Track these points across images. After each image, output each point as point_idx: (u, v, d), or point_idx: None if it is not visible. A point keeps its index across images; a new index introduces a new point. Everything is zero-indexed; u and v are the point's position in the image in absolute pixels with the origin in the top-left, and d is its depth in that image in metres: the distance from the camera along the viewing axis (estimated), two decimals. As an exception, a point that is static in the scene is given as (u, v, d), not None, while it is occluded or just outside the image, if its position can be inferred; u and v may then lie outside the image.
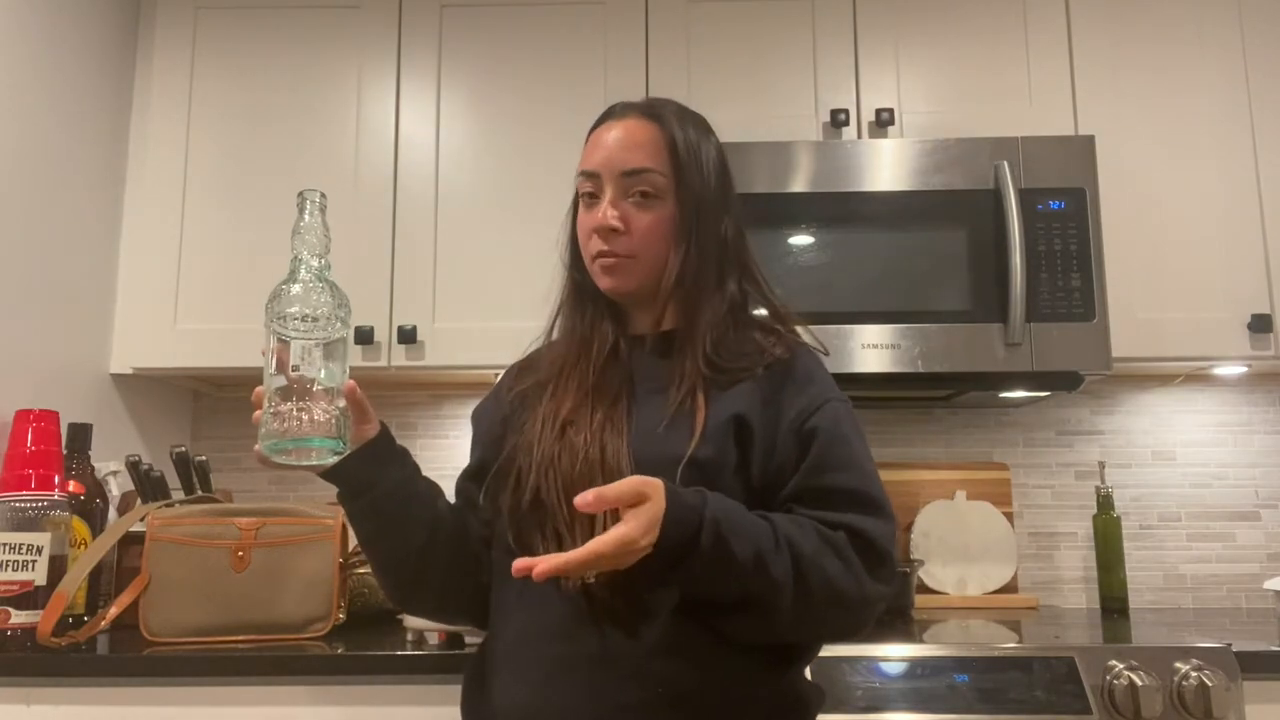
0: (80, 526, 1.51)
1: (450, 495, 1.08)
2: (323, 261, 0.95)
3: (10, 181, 1.59)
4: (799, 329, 1.08)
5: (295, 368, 0.88)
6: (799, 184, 1.72)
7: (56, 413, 1.50)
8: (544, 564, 0.81)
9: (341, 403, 0.90)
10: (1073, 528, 2.02)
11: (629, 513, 0.82)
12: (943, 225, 1.70)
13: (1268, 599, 1.93)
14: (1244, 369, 1.96)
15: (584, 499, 0.81)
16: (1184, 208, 1.79)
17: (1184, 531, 2.02)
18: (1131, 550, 1.97)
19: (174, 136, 1.87)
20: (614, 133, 1.05)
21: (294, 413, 0.87)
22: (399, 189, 1.84)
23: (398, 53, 1.88)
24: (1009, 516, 1.96)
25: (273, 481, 2.08)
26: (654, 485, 0.84)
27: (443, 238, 1.82)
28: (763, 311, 1.07)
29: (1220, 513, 2.02)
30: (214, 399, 2.12)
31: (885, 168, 1.72)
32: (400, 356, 1.78)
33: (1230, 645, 1.32)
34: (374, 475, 0.98)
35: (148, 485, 1.60)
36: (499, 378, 1.18)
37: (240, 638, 1.39)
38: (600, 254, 1.03)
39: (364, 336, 1.77)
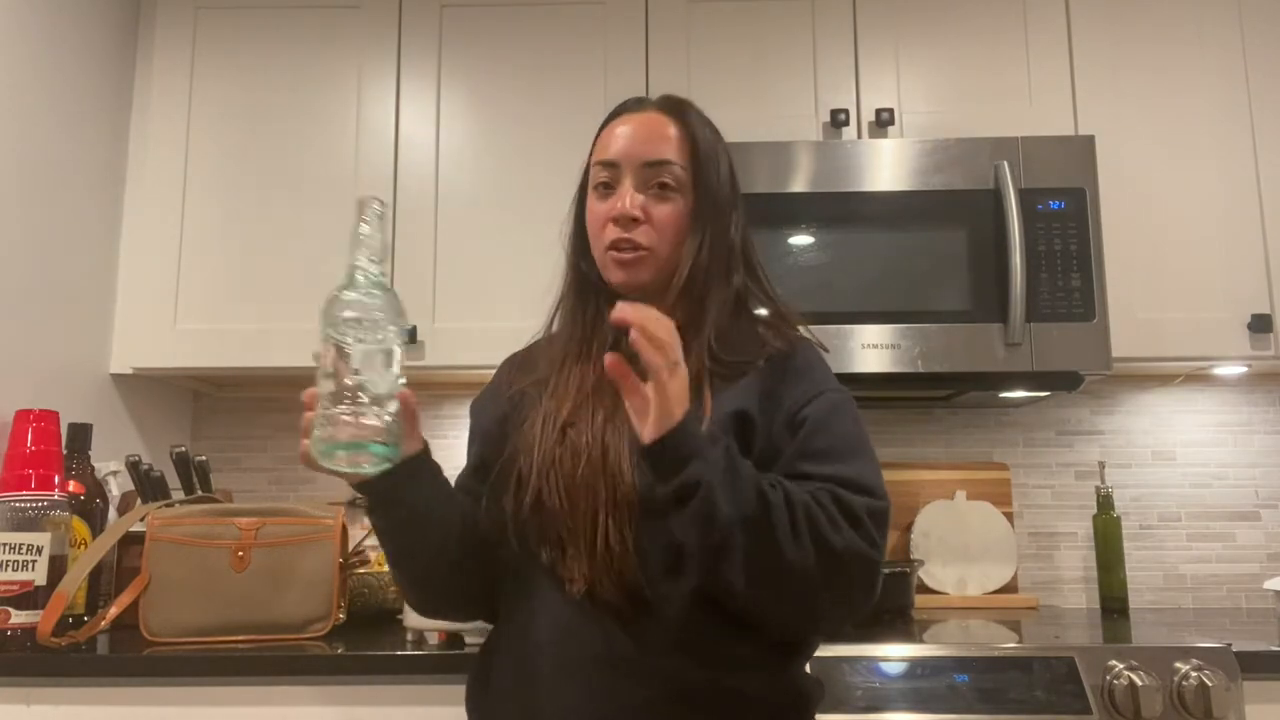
0: (80, 526, 1.51)
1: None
2: (379, 268, 0.95)
3: (10, 181, 1.59)
4: (800, 328, 1.08)
5: (356, 372, 0.88)
6: (799, 184, 1.72)
7: (56, 413, 1.50)
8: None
9: (394, 408, 0.90)
10: (1073, 528, 2.02)
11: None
12: (943, 225, 1.70)
13: (1268, 599, 1.93)
14: (1244, 369, 1.96)
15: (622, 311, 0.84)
16: (1184, 208, 1.79)
17: (1184, 531, 2.02)
18: (1131, 550, 1.98)
19: (174, 136, 1.87)
20: (635, 124, 1.05)
21: (347, 418, 0.87)
22: (399, 189, 1.84)
23: (398, 53, 1.88)
24: (1009, 516, 1.96)
25: (272, 481, 2.08)
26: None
27: (443, 238, 1.82)
28: (764, 311, 1.08)
29: (1220, 513, 2.02)
30: (214, 399, 2.12)
31: (885, 168, 1.72)
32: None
33: (1230, 645, 1.32)
34: (410, 493, 0.96)
35: (148, 485, 1.60)
36: (496, 371, 1.17)
37: (240, 638, 1.39)
38: (616, 243, 1.02)
39: (364, 336, 1.76)
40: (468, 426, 1.14)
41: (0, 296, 1.56)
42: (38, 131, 1.66)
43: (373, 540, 1.79)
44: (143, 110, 1.89)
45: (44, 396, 1.61)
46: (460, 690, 1.04)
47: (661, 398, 0.84)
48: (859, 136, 1.82)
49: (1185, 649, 1.32)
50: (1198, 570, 2.00)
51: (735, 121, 1.75)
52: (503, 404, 1.08)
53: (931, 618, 1.72)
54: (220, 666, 1.30)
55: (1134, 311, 1.75)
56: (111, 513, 1.62)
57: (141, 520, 1.46)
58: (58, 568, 1.38)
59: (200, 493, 1.65)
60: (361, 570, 1.63)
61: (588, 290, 1.09)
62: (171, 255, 1.83)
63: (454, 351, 1.79)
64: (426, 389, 2.10)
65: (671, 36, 1.87)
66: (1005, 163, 1.68)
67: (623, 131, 1.05)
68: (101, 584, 1.53)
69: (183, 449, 1.64)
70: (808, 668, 1.01)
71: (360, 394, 0.87)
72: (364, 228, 0.96)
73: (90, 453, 1.59)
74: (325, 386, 0.88)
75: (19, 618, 1.33)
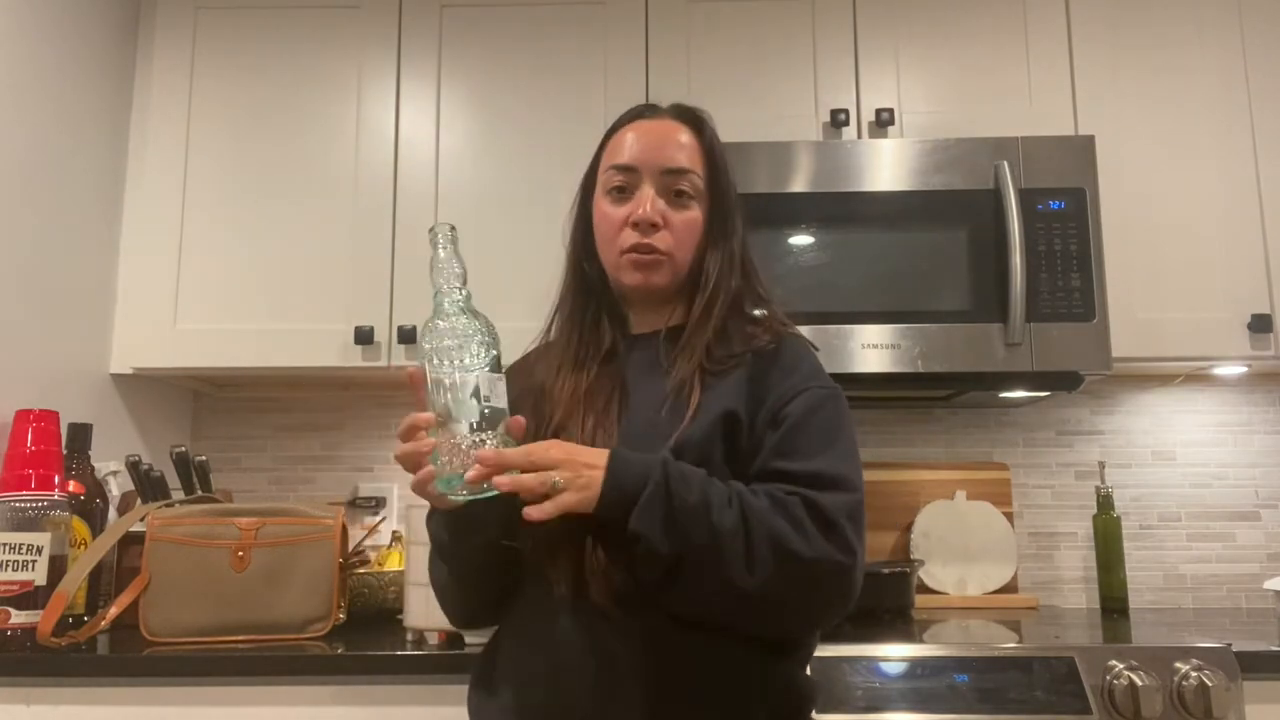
0: (80, 526, 1.51)
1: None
2: (464, 292, 0.96)
3: (10, 181, 1.59)
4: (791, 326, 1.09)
5: (459, 401, 0.90)
6: (799, 184, 1.72)
7: (56, 413, 1.50)
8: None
9: (502, 429, 0.91)
10: (1073, 528, 2.02)
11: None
12: (943, 225, 1.70)
13: (1268, 599, 1.93)
14: (1244, 369, 1.96)
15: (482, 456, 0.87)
16: (1184, 208, 1.79)
17: (1184, 531, 2.02)
18: (1131, 550, 1.97)
19: (174, 136, 1.87)
20: (653, 131, 1.07)
21: (466, 446, 0.88)
22: (399, 189, 1.84)
23: (398, 53, 1.88)
24: (1009, 516, 1.96)
25: (273, 481, 2.08)
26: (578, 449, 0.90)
27: (443, 238, 1.82)
28: (758, 311, 1.09)
29: (1220, 513, 2.02)
30: (214, 399, 2.12)
31: (885, 168, 1.72)
32: (400, 356, 1.78)
33: (1230, 645, 1.32)
34: (498, 515, 0.95)
35: (148, 485, 1.60)
36: None
37: (240, 638, 1.39)
38: (635, 247, 1.03)
39: (364, 336, 1.77)
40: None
41: (0, 296, 1.56)
42: (38, 132, 1.66)
43: (373, 540, 1.80)
44: (143, 110, 1.89)
45: (44, 396, 1.61)
46: (461, 690, 1.04)
47: (570, 487, 0.87)
48: (859, 136, 1.82)
49: (1185, 649, 1.32)
50: (1198, 570, 2.00)
51: (735, 121, 1.75)
52: None
53: (931, 618, 1.72)
54: (220, 666, 1.30)
55: (1134, 311, 1.75)
56: (111, 513, 1.62)
57: (141, 520, 1.46)
58: (58, 568, 1.38)
59: (200, 493, 1.65)
60: (361, 570, 1.63)
61: (589, 293, 1.11)
62: (171, 255, 1.83)
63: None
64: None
65: (671, 36, 1.87)
66: (1005, 163, 1.68)
67: (639, 137, 1.06)
68: (101, 584, 1.53)
69: (183, 449, 1.64)
70: (808, 669, 1.01)
71: (469, 422, 0.89)
72: (439, 254, 0.96)
73: (90, 453, 1.59)
74: (434, 417, 0.90)
75: (19, 618, 1.33)
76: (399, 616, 1.48)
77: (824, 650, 1.32)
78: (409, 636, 1.39)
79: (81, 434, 1.57)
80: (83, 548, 1.49)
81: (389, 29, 1.89)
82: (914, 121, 1.83)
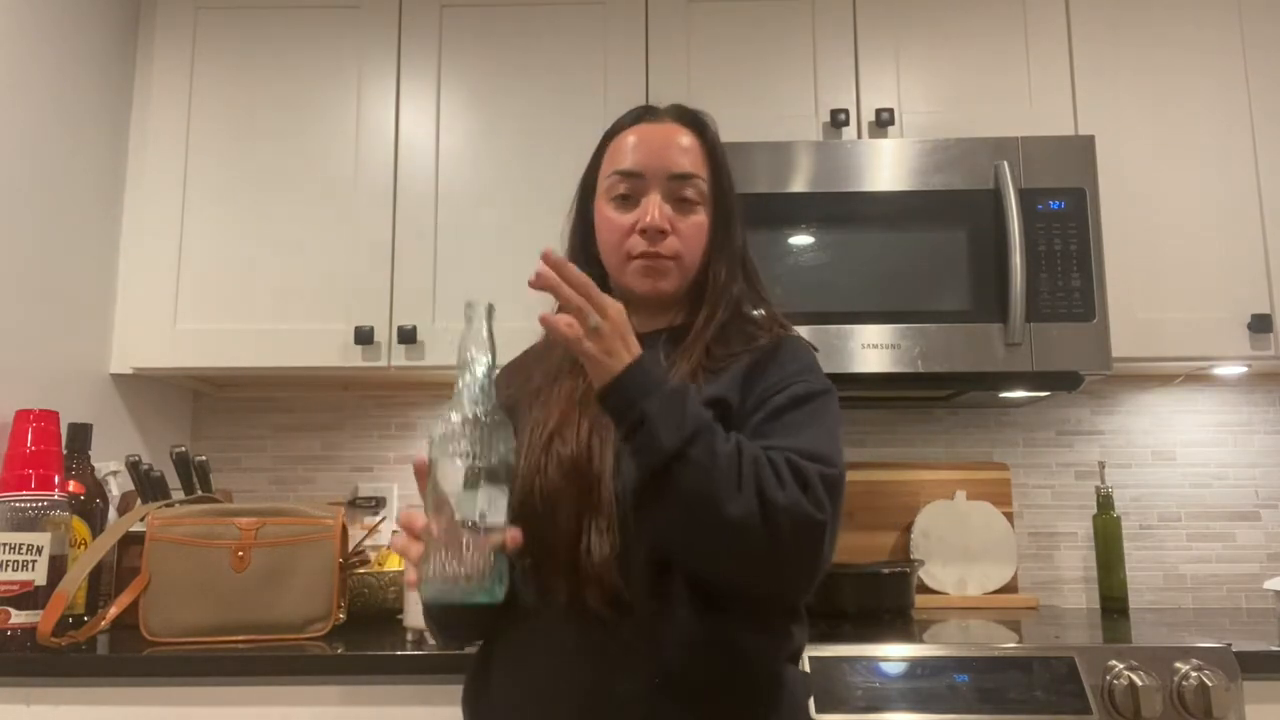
0: (80, 526, 1.51)
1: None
2: (482, 386, 0.88)
3: (10, 181, 1.59)
4: (791, 327, 1.09)
5: (460, 504, 0.83)
6: (799, 184, 1.72)
7: (56, 413, 1.50)
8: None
9: (498, 540, 0.84)
10: (1073, 528, 2.02)
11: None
12: (943, 225, 1.70)
13: (1268, 599, 1.93)
14: (1244, 369, 1.96)
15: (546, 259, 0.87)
16: (1184, 208, 1.79)
17: (1184, 531, 2.02)
18: (1131, 550, 1.98)
19: (174, 136, 1.87)
20: (656, 135, 1.06)
21: (450, 558, 0.82)
22: (399, 189, 1.84)
23: (398, 53, 1.88)
24: (1009, 516, 1.96)
25: (273, 481, 2.08)
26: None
27: (443, 237, 1.82)
28: (758, 312, 1.09)
29: (1220, 513, 2.02)
30: (214, 399, 2.12)
31: (885, 168, 1.72)
32: (400, 356, 1.78)
33: (1230, 645, 1.32)
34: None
35: (148, 485, 1.60)
36: None
37: (240, 638, 1.39)
38: (644, 254, 1.04)
39: (364, 336, 1.77)
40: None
41: (0, 296, 1.56)
42: (38, 132, 1.66)
43: (373, 540, 1.80)
44: (143, 110, 1.89)
45: (44, 396, 1.61)
46: (461, 690, 1.04)
47: (598, 339, 0.86)
48: (859, 136, 1.82)
49: (1185, 649, 1.32)
50: (1198, 570, 2.00)
51: (735, 121, 1.76)
52: None
53: (931, 618, 1.72)
54: (220, 666, 1.30)
55: (1134, 311, 1.75)
56: (111, 513, 1.62)
57: (141, 520, 1.46)
58: (58, 568, 1.38)
59: (200, 493, 1.65)
60: (361, 570, 1.63)
61: None
62: (171, 255, 1.83)
63: (454, 351, 1.78)
64: (426, 389, 2.10)
65: (671, 36, 1.87)
66: (1005, 163, 1.68)
67: (642, 142, 1.06)
68: (101, 584, 1.53)
69: (183, 449, 1.64)
70: (806, 664, 1.01)
71: (464, 529, 0.83)
72: (469, 332, 0.90)
73: (90, 453, 1.59)
74: (432, 514, 0.84)
75: (19, 618, 1.33)
76: (399, 616, 1.48)
77: (824, 650, 1.32)
78: (409, 636, 1.39)
79: (81, 434, 1.57)
80: (83, 548, 1.49)
81: (389, 29, 1.89)
82: (914, 121, 1.83)
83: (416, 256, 1.81)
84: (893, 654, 1.33)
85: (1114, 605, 1.87)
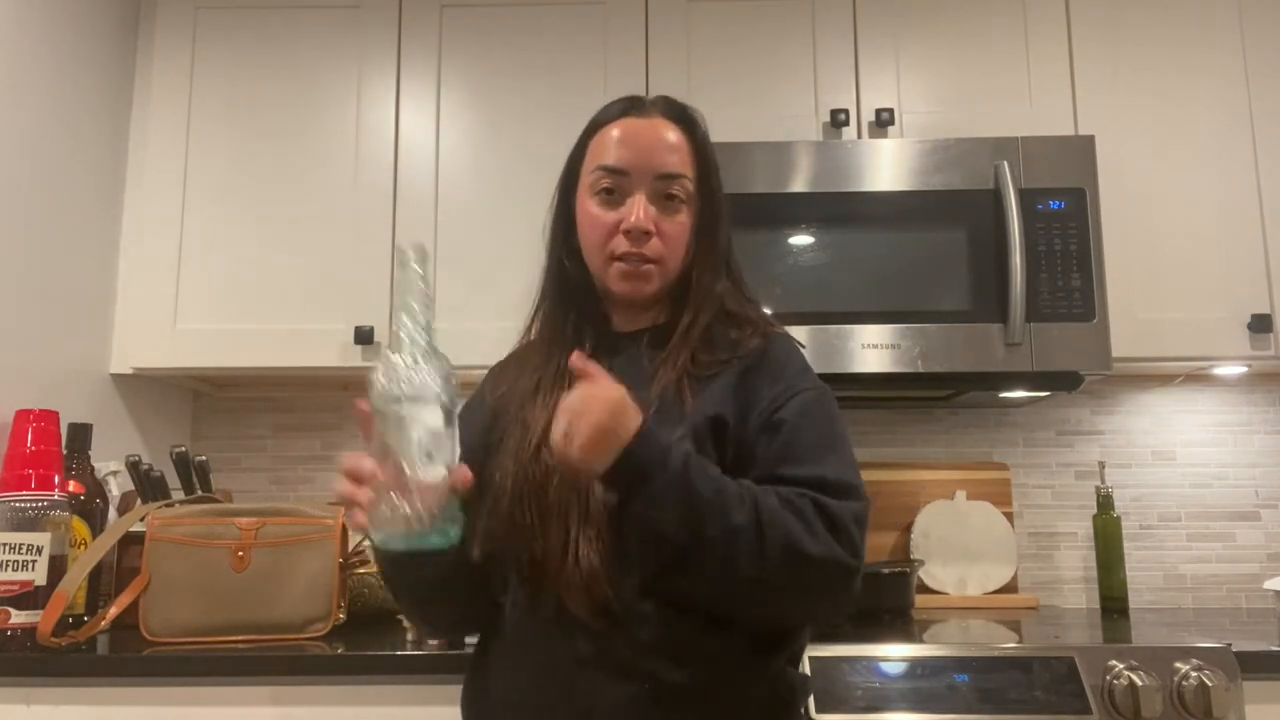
0: (80, 526, 1.51)
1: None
2: (421, 327, 0.88)
3: (10, 181, 1.59)
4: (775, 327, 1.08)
5: (406, 447, 0.83)
6: (799, 184, 1.72)
7: (56, 413, 1.50)
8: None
9: (447, 479, 0.85)
10: (1073, 528, 2.02)
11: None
12: (943, 225, 1.70)
13: (1268, 599, 1.93)
14: (1244, 369, 1.96)
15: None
16: (1184, 208, 1.79)
17: (1184, 531, 2.02)
18: (1131, 550, 1.98)
19: (174, 136, 1.87)
20: (643, 132, 1.04)
21: (398, 501, 0.82)
22: (399, 189, 1.84)
23: (398, 53, 1.88)
24: (1009, 516, 1.96)
25: (273, 481, 2.08)
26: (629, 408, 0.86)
27: (443, 238, 1.82)
28: (742, 311, 1.07)
29: (1220, 513, 2.02)
30: (214, 399, 2.12)
31: (885, 168, 1.72)
32: (400, 356, 1.77)
33: (1230, 645, 1.32)
34: (435, 562, 0.93)
35: (148, 485, 1.60)
36: (481, 381, 1.17)
37: (240, 638, 1.39)
38: (626, 256, 1.01)
39: (364, 336, 1.77)
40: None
41: (0, 296, 1.56)
42: (38, 132, 1.66)
43: (373, 540, 1.80)
44: (143, 110, 1.89)
45: (44, 396, 1.61)
46: (460, 691, 1.04)
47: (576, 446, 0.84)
48: (859, 136, 1.82)
49: (1185, 649, 1.32)
50: (1198, 570, 2.00)
51: (735, 121, 1.76)
52: (485, 415, 1.07)
53: (931, 618, 1.72)
54: (220, 666, 1.30)
55: (1134, 311, 1.75)
56: (111, 513, 1.62)
57: (141, 520, 1.46)
58: (58, 568, 1.38)
59: (200, 493, 1.65)
60: (361, 570, 1.62)
61: (569, 291, 1.09)
62: (171, 255, 1.83)
63: (454, 351, 1.75)
64: (426, 389, 2.10)
65: (671, 36, 1.87)
66: (1005, 163, 1.68)
67: (628, 138, 1.03)
68: (101, 584, 1.52)
69: (183, 449, 1.64)
70: (806, 665, 1.01)
71: (411, 471, 0.83)
72: (403, 278, 0.90)
73: (90, 453, 1.59)
74: (378, 461, 0.84)
75: (19, 618, 1.33)
76: (399, 616, 1.48)
77: (824, 650, 1.32)
78: (409, 636, 1.39)
79: (81, 434, 1.57)
80: (83, 548, 1.49)
81: (389, 29, 1.89)
82: (914, 121, 1.83)
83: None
84: (893, 654, 1.33)
85: (1114, 605, 1.87)
